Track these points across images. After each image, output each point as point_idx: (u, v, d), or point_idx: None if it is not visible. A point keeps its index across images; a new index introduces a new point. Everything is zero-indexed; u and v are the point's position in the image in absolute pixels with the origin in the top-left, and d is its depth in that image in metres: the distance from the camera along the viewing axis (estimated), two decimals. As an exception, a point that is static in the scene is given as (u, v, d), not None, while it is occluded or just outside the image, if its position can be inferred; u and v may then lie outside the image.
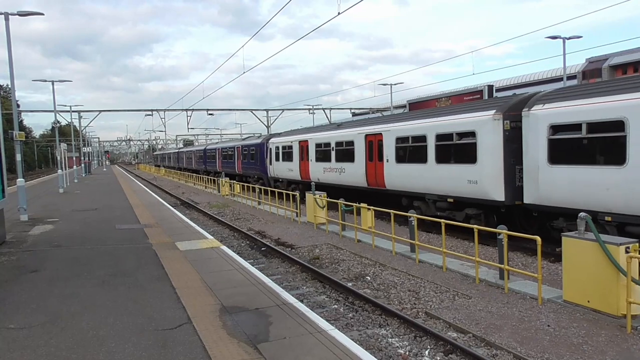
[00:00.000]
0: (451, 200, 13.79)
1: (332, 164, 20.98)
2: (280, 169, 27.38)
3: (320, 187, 20.64)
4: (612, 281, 7.02)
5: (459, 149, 13.58)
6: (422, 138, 14.88)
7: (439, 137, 14.20)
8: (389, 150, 16.57)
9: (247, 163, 34.52)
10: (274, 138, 29.13)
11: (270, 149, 28.75)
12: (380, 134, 17.19)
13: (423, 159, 14.80)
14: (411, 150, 15.61)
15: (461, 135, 13.45)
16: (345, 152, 19.86)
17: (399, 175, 16.11)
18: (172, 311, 6.75)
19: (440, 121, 14.31)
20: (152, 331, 6.02)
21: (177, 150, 76.98)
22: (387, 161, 16.65)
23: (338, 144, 20.54)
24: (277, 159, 27.79)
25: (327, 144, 21.54)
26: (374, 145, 17.68)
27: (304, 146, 24.15)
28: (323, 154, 22.02)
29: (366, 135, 18.24)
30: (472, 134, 12.97)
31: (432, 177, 14.40)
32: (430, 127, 14.61)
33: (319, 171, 22.27)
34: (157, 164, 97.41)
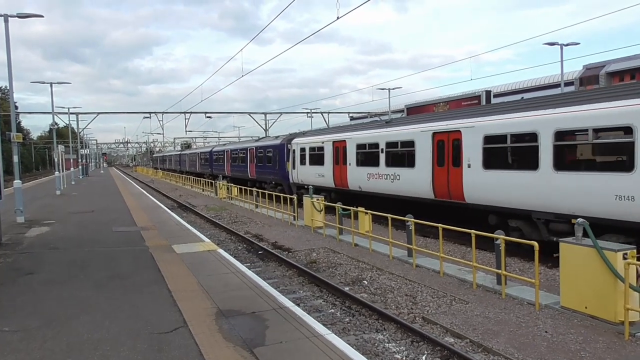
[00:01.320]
0: None
1: (380, 169, 17.01)
2: (306, 174, 23.26)
3: (364, 196, 18.27)
4: (610, 287, 7.01)
5: (599, 152, 10.33)
6: (530, 136, 11.25)
7: (561, 135, 10.58)
8: (473, 152, 12.81)
9: (263, 167, 30.00)
10: (298, 138, 25.08)
11: (294, 150, 24.55)
12: (458, 131, 13.37)
13: (531, 165, 11.14)
14: (510, 153, 12.06)
15: (603, 132, 9.94)
16: (401, 155, 16.17)
17: (488, 186, 12.33)
18: (168, 314, 6.71)
19: (563, 113, 10.57)
20: (148, 335, 5.98)
21: (179, 153, 72.09)
22: (469, 167, 12.92)
23: (390, 144, 16.67)
24: (302, 162, 23.65)
25: (374, 145, 17.52)
26: (447, 146, 13.96)
27: (339, 147, 20.04)
28: (367, 156, 18.11)
29: (434, 134, 14.40)
30: (626, 131, 9.34)
31: (547, 188, 10.72)
32: (545, 121, 10.87)
33: (361, 178, 18.27)
34: (155, 167, 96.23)
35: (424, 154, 14.88)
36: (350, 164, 19.16)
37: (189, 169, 57.88)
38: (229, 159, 39.04)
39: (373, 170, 17.55)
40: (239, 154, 36.00)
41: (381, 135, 17.28)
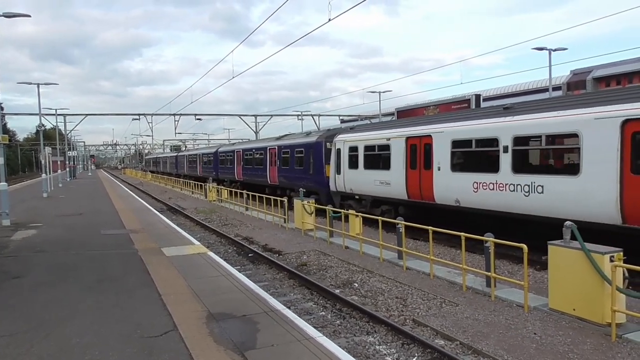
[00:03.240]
0: None
1: (501, 176, 11.92)
2: (358, 181, 18.07)
3: (463, 214, 13.48)
4: (597, 290, 7.09)
5: None
6: None
7: None
8: None
9: (290, 171, 24.68)
10: (345, 134, 19.73)
11: (339, 150, 19.36)
12: None
13: None
14: None
15: None
16: (549, 156, 11.77)
17: None
18: (157, 318, 6.66)
19: None
20: (138, 338, 5.93)
21: (175, 154, 65.82)
22: None
23: (522, 140, 11.64)
24: (351, 165, 18.46)
25: (489, 141, 12.40)
26: None
27: (418, 145, 14.96)
28: (474, 158, 13.26)
29: (626, 123, 9.30)
30: None
31: None
32: None
33: (460, 188, 13.15)
34: (146, 169, 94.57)
35: (600, 154, 9.82)
36: (439, 169, 13.92)
37: (187, 172, 51.45)
38: (240, 161, 33.20)
39: (486, 177, 12.35)
40: (255, 154, 30.02)
41: (503, 127, 11.99)
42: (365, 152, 17.74)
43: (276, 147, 26.69)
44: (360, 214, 14.48)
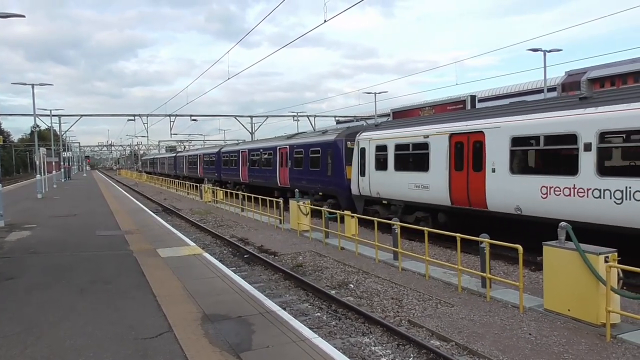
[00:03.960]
0: None
1: (580, 179, 9.87)
2: (387, 184, 16.05)
3: (523, 223, 11.38)
4: (592, 290, 7.12)
5: None
6: None
7: None
8: None
9: (304, 172, 22.59)
10: (369, 132, 17.59)
11: (362, 149, 17.34)
12: None
13: None
14: None
15: None
16: None
17: None
18: (152, 319, 6.64)
19: None
20: (132, 340, 5.91)
21: (174, 155, 63.26)
22: None
23: (610, 136, 9.65)
24: (379, 166, 16.45)
25: (563, 138, 10.37)
26: None
27: (466, 143, 12.81)
28: (540, 158, 11.16)
29: None
30: None
31: None
32: None
33: (523, 193, 11.11)
34: (140, 170, 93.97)
35: None
36: (494, 170, 11.88)
37: (187, 174, 49.25)
38: (245, 162, 31.27)
39: (560, 181, 10.28)
40: (263, 155, 28.05)
41: (584, 120, 9.87)
42: (396, 152, 15.67)
43: (287, 146, 24.59)
44: (355, 215, 14.49)
